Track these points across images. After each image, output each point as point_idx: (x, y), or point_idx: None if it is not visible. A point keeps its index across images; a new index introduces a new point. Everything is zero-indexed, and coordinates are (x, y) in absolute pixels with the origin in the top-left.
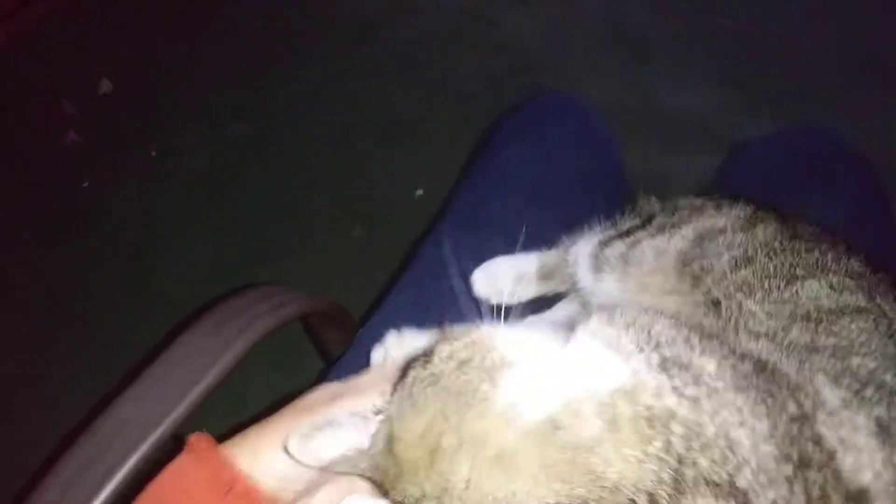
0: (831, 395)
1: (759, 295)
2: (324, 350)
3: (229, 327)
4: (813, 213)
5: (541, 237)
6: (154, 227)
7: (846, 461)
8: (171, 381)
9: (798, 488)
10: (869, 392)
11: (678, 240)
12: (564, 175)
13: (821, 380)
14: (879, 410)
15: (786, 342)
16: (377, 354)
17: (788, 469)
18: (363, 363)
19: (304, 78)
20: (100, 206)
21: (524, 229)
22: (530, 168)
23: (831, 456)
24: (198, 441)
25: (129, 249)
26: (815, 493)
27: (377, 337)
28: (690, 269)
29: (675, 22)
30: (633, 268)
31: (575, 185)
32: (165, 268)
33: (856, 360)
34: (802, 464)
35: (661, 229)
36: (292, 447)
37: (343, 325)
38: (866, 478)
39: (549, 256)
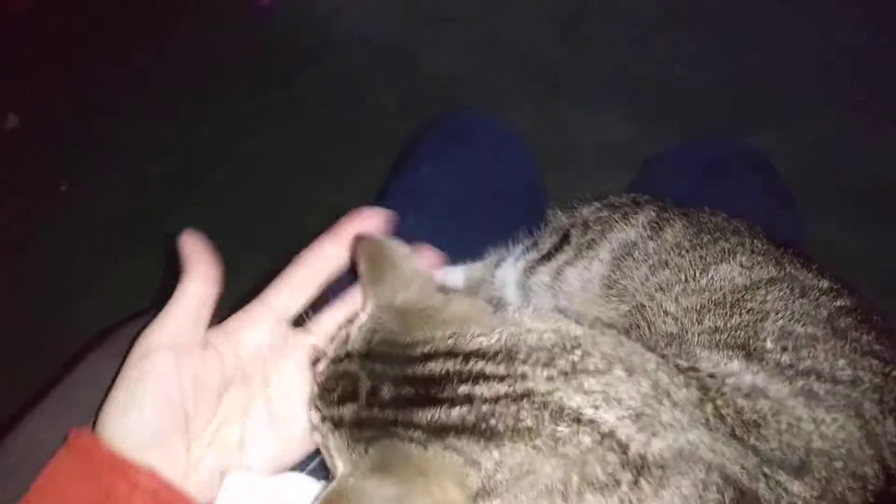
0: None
1: (676, 289)
2: None
3: (103, 372)
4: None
5: (461, 252)
6: (68, 266)
7: (729, 380)
8: (74, 406)
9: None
10: (762, 343)
11: (597, 265)
12: (481, 190)
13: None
14: (772, 355)
15: (691, 337)
16: None
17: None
18: None
19: (228, 112)
20: (7, 244)
21: (444, 244)
22: (446, 184)
23: (721, 381)
24: (77, 437)
25: (40, 290)
26: (718, 401)
27: None
28: (616, 289)
29: (586, 54)
30: (563, 300)
31: (492, 199)
32: (81, 308)
33: (768, 325)
34: (701, 387)
35: (579, 252)
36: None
37: None
38: (748, 380)
39: (474, 270)
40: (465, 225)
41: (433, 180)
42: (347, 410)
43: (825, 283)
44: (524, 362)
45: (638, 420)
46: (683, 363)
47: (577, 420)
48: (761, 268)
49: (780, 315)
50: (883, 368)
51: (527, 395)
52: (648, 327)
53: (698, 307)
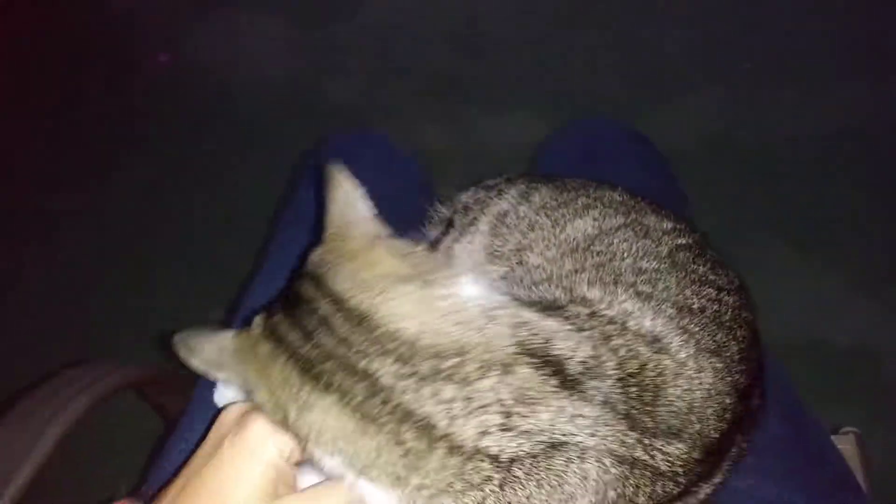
0: (594, 293)
1: (542, 245)
2: (161, 412)
3: (40, 414)
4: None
5: None
6: None
7: (630, 323)
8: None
9: (605, 352)
10: (628, 277)
11: (479, 237)
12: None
13: (584, 287)
14: (640, 287)
15: (558, 276)
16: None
17: (592, 342)
18: (203, 418)
19: (142, 166)
20: None
21: None
22: None
23: (623, 323)
24: None
25: None
26: (623, 352)
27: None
28: (495, 254)
29: (486, 61)
30: None
31: (380, 210)
32: None
33: (618, 263)
34: (605, 338)
35: (463, 230)
36: None
37: (177, 387)
38: (647, 325)
39: None
40: None
41: (317, 203)
42: None
43: (668, 225)
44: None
45: (504, 430)
46: (584, 310)
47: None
48: (611, 217)
49: (626, 254)
50: (717, 295)
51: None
52: (523, 281)
53: (559, 256)
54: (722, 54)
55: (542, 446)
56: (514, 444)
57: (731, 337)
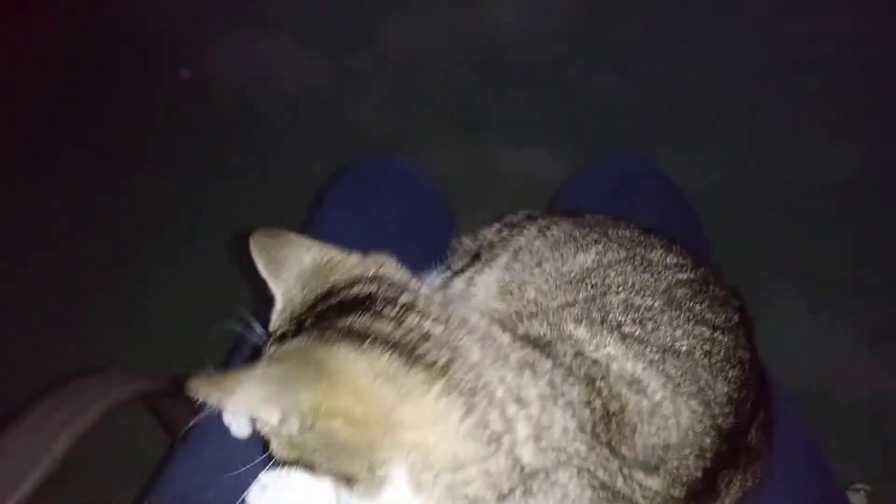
0: (580, 332)
1: (539, 280)
2: (169, 427)
3: (52, 421)
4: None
5: None
6: None
7: (613, 366)
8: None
9: (592, 392)
10: (616, 316)
11: (497, 271)
12: (390, 230)
13: (570, 326)
14: (626, 328)
15: (545, 310)
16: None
17: (579, 386)
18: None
19: (160, 184)
20: None
21: None
22: (354, 229)
23: (605, 368)
24: None
25: None
26: (606, 393)
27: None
28: (507, 287)
29: (507, 94)
30: (472, 300)
31: (403, 237)
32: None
33: (611, 298)
34: (590, 380)
35: (486, 264)
36: None
37: (188, 400)
38: (629, 368)
39: None
40: None
41: (341, 227)
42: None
43: (672, 259)
44: (460, 326)
45: (538, 440)
46: (570, 349)
47: (502, 414)
48: (613, 251)
49: (620, 288)
50: (711, 335)
51: (459, 351)
52: (515, 315)
53: (554, 288)
54: (739, 100)
55: (552, 463)
56: (539, 459)
57: (719, 378)
